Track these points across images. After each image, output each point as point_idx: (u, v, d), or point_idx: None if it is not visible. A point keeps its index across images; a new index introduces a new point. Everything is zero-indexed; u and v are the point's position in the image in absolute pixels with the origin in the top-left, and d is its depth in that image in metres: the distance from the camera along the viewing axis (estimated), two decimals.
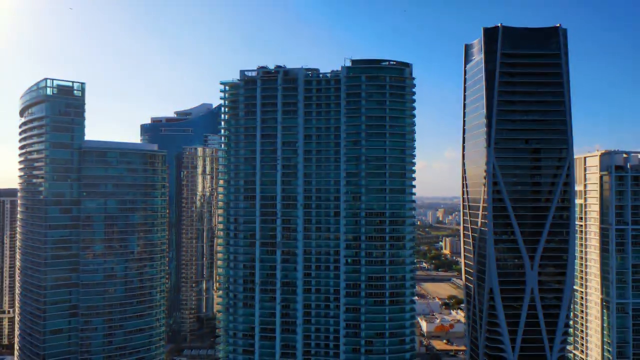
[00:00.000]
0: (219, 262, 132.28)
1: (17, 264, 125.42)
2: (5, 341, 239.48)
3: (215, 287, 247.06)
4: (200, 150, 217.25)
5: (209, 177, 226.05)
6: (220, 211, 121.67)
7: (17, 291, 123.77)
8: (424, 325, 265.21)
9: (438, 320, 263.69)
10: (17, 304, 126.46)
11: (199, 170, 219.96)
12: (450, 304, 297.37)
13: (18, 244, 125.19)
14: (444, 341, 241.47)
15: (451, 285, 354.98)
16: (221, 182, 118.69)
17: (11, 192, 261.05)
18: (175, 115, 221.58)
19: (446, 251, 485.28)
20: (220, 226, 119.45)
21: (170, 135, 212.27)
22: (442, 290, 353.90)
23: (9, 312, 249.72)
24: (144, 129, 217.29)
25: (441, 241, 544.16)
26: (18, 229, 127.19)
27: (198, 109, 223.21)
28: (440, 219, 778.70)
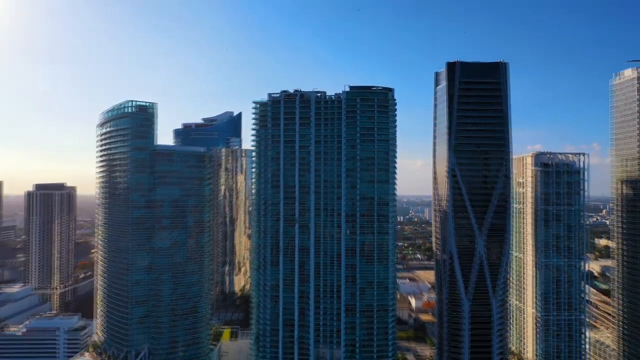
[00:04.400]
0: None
1: (100, 236, 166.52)
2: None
3: (235, 270, 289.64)
4: (223, 150, 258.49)
5: (230, 173, 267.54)
6: (253, 197, 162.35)
7: (101, 255, 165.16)
8: (413, 302, 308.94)
9: (425, 298, 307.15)
10: (100, 265, 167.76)
11: (223, 167, 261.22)
12: None
13: (101, 221, 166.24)
14: (430, 314, 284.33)
15: None
16: (254, 176, 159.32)
17: (58, 187, 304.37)
18: (203, 121, 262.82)
19: None
20: (254, 207, 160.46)
21: (198, 138, 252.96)
22: (431, 276, 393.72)
23: (57, 288, 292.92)
24: (177, 132, 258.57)
25: None
26: (99, 210, 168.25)
27: (222, 116, 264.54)
28: None
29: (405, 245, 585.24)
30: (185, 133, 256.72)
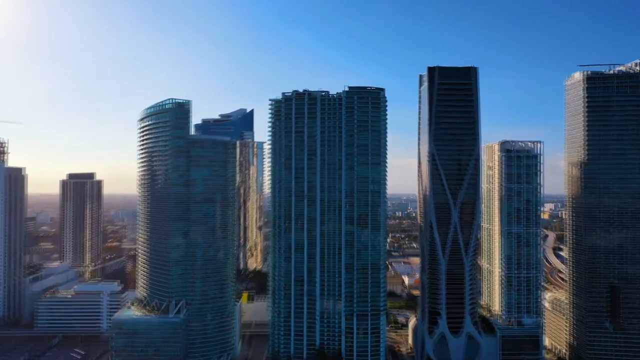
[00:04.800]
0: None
1: (142, 210, 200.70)
2: None
3: (248, 254, 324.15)
4: (237, 143, 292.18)
5: (244, 163, 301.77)
6: (269, 178, 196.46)
7: (143, 226, 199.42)
8: (406, 280, 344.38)
9: (416, 276, 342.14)
10: (141, 235, 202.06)
11: (237, 157, 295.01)
12: None
13: (142, 198, 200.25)
14: (419, 290, 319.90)
15: None
16: (270, 160, 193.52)
17: (89, 176, 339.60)
18: (220, 117, 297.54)
19: None
20: (270, 186, 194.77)
21: (216, 132, 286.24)
22: None
23: (89, 266, 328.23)
24: (197, 127, 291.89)
25: None
26: (141, 188, 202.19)
27: (236, 112, 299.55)
28: None
29: (403, 236, 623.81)
30: (204, 127, 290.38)
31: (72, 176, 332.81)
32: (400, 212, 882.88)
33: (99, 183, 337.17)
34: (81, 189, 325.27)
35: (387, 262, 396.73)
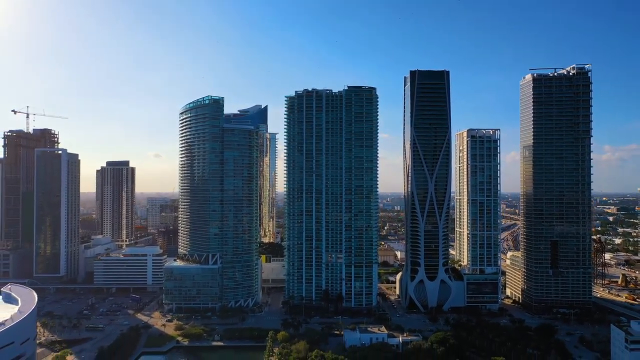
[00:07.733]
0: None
1: (183, 184, 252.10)
2: None
3: (261, 233, 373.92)
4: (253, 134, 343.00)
5: (258, 150, 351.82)
6: (285, 158, 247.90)
7: (183, 197, 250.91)
8: (398, 254, 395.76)
9: None
10: (181, 205, 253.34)
11: (259, 143, 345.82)
12: None
13: (184, 175, 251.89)
14: None
15: None
16: (286, 143, 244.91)
17: (124, 163, 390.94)
18: (239, 112, 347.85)
19: None
20: (286, 165, 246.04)
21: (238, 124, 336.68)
22: None
23: (125, 241, 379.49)
24: None
25: None
26: (182, 168, 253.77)
27: (253, 108, 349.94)
28: None
29: (399, 225, 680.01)
30: (226, 120, 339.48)
31: (109, 163, 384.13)
32: (398, 207, 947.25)
33: (133, 169, 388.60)
34: (118, 174, 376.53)
35: (384, 243, 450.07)
